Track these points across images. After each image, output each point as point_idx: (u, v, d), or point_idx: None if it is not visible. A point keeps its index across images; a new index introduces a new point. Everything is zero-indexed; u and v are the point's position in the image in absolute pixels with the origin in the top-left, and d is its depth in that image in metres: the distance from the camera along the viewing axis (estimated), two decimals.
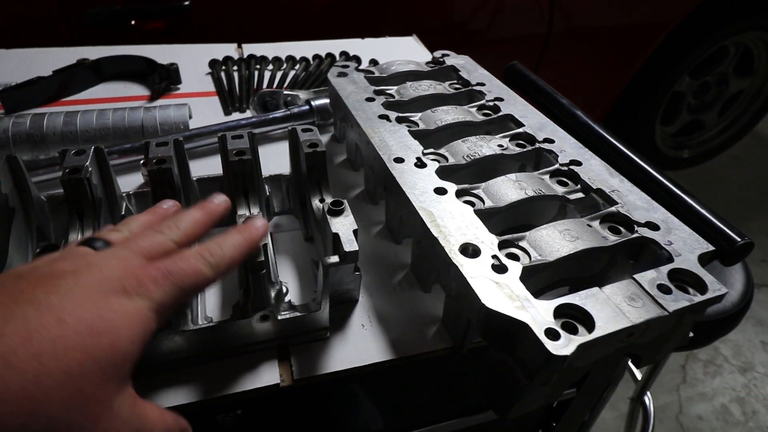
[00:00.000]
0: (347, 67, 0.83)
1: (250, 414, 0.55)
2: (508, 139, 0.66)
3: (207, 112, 0.94)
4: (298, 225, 0.70)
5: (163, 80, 0.96)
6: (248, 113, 0.95)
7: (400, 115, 0.70)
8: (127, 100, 0.97)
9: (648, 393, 1.02)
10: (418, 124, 0.69)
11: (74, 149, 0.58)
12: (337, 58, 1.15)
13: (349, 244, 0.47)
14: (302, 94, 0.92)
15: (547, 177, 0.60)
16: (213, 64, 1.08)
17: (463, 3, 1.80)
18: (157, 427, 0.36)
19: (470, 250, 0.48)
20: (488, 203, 0.55)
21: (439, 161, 0.61)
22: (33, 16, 1.37)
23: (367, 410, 0.61)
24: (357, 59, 1.14)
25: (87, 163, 0.56)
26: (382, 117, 0.69)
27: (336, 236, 0.49)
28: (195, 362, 0.50)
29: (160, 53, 1.05)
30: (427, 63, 0.88)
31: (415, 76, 0.83)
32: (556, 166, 0.61)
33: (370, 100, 0.73)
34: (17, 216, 0.57)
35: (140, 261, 0.37)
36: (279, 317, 0.50)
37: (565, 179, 0.60)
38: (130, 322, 0.33)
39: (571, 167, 0.61)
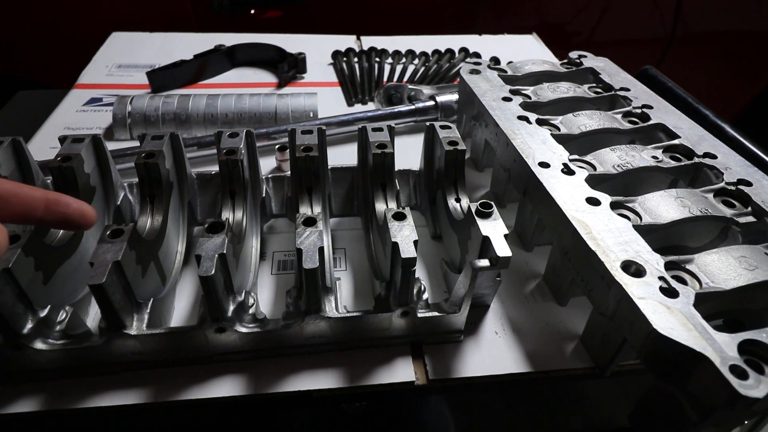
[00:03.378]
0: (479, 64, 0.81)
1: (374, 407, 0.55)
2: (661, 150, 0.61)
3: (331, 102, 0.96)
4: (424, 222, 0.69)
5: (291, 69, 1.00)
6: (371, 105, 0.96)
7: (540, 117, 0.67)
8: (257, 86, 1.01)
9: None
10: (559, 128, 0.66)
11: (229, 131, 0.61)
12: (456, 54, 1.13)
13: (502, 249, 0.46)
14: (426, 90, 0.92)
15: (710, 196, 0.55)
16: (335, 55, 1.10)
17: (566, 3, 1.71)
18: None
19: (633, 269, 0.45)
20: (646, 219, 0.51)
21: (586, 169, 0.58)
22: (168, 2, 1.48)
23: (489, 418, 0.60)
24: (477, 56, 1.11)
25: (241, 146, 0.59)
26: (521, 118, 0.66)
27: (486, 240, 0.47)
28: (330, 349, 0.51)
29: (283, 42, 1.08)
30: (562, 63, 0.84)
31: (550, 77, 0.80)
32: (722, 184, 0.56)
33: (507, 99, 0.71)
34: (174, 191, 0.61)
35: None
36: (418, 315, 0.50)
37: (731, 200, 0.55)
38: None
39: (740, 187, 0.55)
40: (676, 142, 0.63)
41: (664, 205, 0.52)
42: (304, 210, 0.58)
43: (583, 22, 1.78)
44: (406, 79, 1.05)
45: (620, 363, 0.50)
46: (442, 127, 0.64)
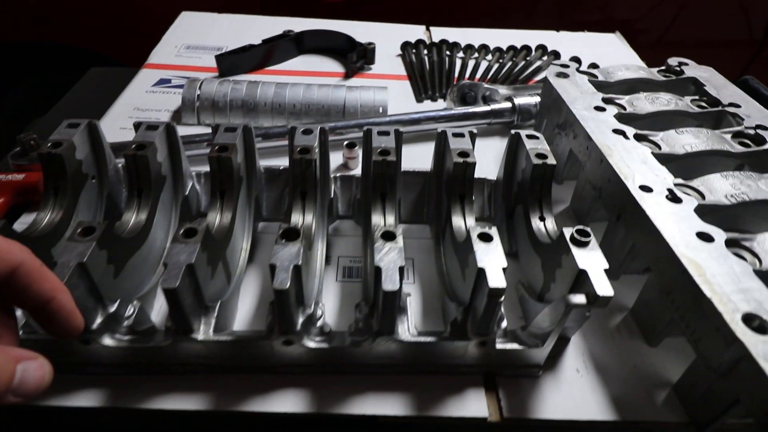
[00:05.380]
0: (567, 67, 0.75)
1: None
2: None
3: (399, 97, 0.92)
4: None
5: (359, 59, 0.96)
6: (440, 103, 0.91)
7: (639, 132, 0.60)
8: (323, 75, 0.98)
9: None
10: (659, 146, 0.60)
11: (303, 127, 0.58)
12: (533, 51, 1.06)
13: (603, 288, 0.41)
14: (501, 90, 0.86)
15: None
16: (405, 46, 1.05)
17: None
18: None
19: (756, 323, 0.39)
20: (767, 263, 0.45)
21: (693, 197, 0.52)
22: None
23: None
24: (556, 54, 1.04)
25: (315, 144, 0.56)
26: (617, 132, 0.60)
27: (583, 274, 0.43)
28: (397, 371, 0.48)
29: (348, 30, 1.05)
30: (660, 71, 0.76)
31: (646, 85, 0.73)
32: None
33: (600, 109, 0.64)
34: (243, 186, 0.59)
35: None
36: (497, 346, 0.46)
37: None
38: None
39: None
40: None
41: None
42: (377, 219, 0.55)
43: (653, 19, 1.65)
44: (478, 76, 0.99)
45: (724, 422, 0.44)
46: (529, 137, 0.59)
